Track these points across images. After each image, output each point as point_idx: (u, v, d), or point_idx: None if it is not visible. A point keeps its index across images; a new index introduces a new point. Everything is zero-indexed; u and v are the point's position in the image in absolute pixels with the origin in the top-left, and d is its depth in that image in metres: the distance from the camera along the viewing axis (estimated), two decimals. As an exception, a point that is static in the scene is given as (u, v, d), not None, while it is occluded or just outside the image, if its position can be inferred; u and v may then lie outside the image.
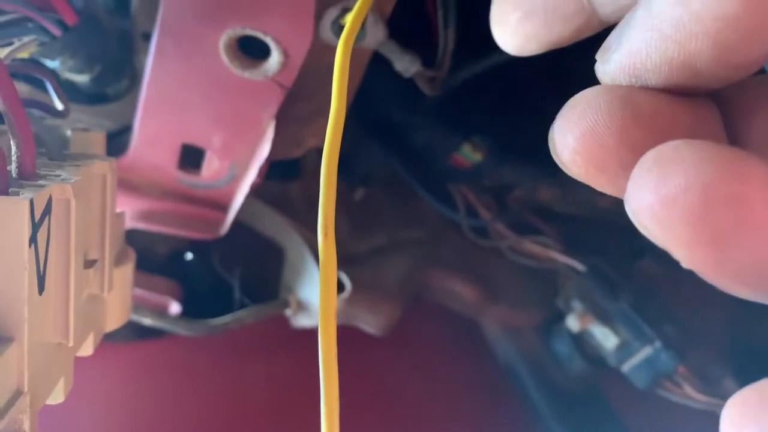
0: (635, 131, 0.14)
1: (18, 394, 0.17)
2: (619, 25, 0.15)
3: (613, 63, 0.15)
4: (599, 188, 0.15)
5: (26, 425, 0.18)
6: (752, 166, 0.12)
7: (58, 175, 0.20)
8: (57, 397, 0.21)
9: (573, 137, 0.14)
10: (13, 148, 0.19)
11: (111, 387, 0.48)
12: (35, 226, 0.17)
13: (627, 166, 0.14)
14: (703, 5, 0.12)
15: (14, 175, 0.19)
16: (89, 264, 0.22)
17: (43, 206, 0.18)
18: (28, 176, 0.19)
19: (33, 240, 0.17)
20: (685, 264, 0.12)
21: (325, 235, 0.18)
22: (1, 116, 0.20)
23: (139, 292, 0.42)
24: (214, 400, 0.49)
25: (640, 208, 0.12)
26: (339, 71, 0.19)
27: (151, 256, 0.46)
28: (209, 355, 0.49)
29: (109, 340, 0.47)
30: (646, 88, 0.15)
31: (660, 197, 0.12)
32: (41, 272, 0.18)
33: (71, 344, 0.20)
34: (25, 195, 0.17)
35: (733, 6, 0.12)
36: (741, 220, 0.11)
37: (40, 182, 0.19)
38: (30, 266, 0.17)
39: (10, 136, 0.19)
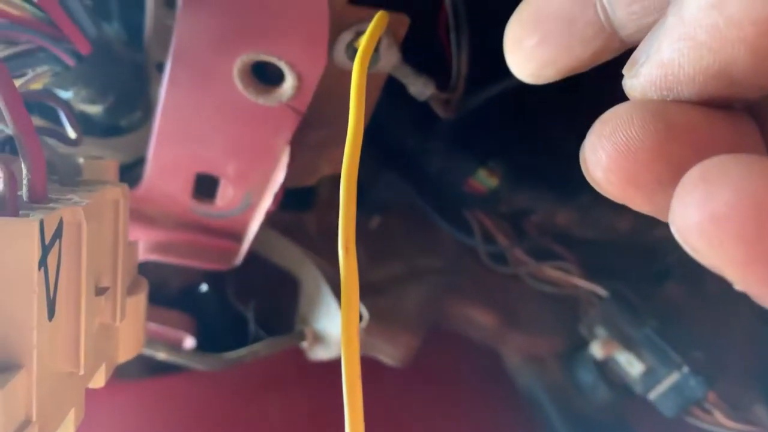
0: (671, 145, 0.13)
1: (26, 423, 0.17)
2: (646, 37, 0.15)
3: (642, 76, 0.14)
4: (636, 207, 0.14)
5: (35, 457, 0.17)
6: None
7: (70, 199, 0.20)
8: (67, 428, 0.21)
9: (606, 154, 0.14)
10: (25, 172, 0.19)
11: (124, 425, 0.47)
12: (45, 249, 0.17)
13: (664, 182, 0.13)
14: (740, 9, 0.12)
15: (25, 199, 0.19)
16: (101, 291, 0.22)
17: (53, 229, 0.17)
18: (39, 200, 0.19)
19: (43, 263, 0.17)
20: (739, 286, 0.12)
21: (346, 250, 0.17)
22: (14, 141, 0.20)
23: (154, 326, 0.42)
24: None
25: (687, 227, 0.11)
26: (356, 86, 0.19)
27: (165, 290, 0.45)
28: (224, 390, 0.48)
29: (122, 377, 0.47)
30: (679, 102, 0.14)
31: (709, 214, 0.11)
32: (51, 297, 0.18)
33: (82, 372, 0.20)
34: (36, 216, 0.17)
35: None
36: None
37: (51, 205, 0.19)
38: (39, 290, 0.17)
39: (22, 160, 0.19)
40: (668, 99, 0.14)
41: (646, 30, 0.15)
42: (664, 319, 0.43)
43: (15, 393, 0.16)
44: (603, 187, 0.14)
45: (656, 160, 0.13)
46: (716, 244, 0.11)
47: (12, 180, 0.18)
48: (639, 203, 0.14)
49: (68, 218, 0.18)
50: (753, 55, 0.12)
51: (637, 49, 0.15)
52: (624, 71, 0.15)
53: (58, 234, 0.18)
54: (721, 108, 0.14)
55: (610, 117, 0.14)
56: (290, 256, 0.43)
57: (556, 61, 0.17)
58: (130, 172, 0.36)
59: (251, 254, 0.39)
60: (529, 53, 0.17)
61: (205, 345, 0.43)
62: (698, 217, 0.11)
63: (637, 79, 0.14)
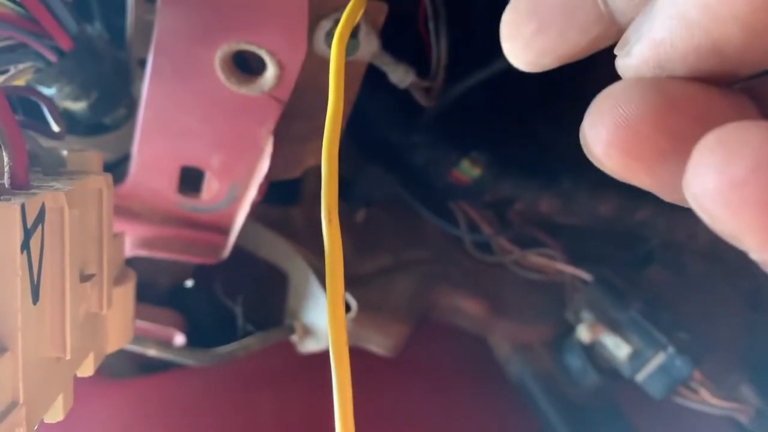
0: (671, 117, 0.13)
1: (13, 405, 0.17)
2: (638, 17, 0.15)
3: (635, 56, 0.14)
4: (637, 182, 0.14)
5: (23, 439, 0.17)
6: None
7: (52, 186, 0.20)
8: (56, 414, 0.21)
9: (606, 129, 0.14)
10: (6, 160, 0.19)
11: (117, 423, 0.47)
12: (27, 233, 0.17)
13: (666, 154, 0.13)
14: None
15: (7, 186, 0.19)
16: (86, 278, 0.22)
17: (35, 213, 0.18)
18: (21, 187, 0.19)
19: (25, 247, 0.17)
20: (757, 254, 0.11)
21: (329, 221, 0.18)
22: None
23: (143, 324, 0.42)
24: (223, 433, 0.48)
25: (704, 193, 0.11)
26: (335, 63, 0.19)
27: (154, 289, 0.45)
28: (215, 387, 0.49)
29: (112, 376, 0.47)
30: (674, 78, 0.14)
31: (728, 179, 0.11)
32: (35, 281, 0.18)
33: (68, 357, 0.20)
34: (17, 201, 0.17)
35: None
36: None
37: (34, 191, 0.19)
38: (23, 273, 0.17)
39: (3, 149, 0.19)
40: (662, 76, 0.14)
41: None
42: (648, 301, 0.43)
43: (1, 375, 0.17)
44: (603, 162, 0.14)
45: (657, 131, 0.13)
46: (735, 209, 0.11)
47: (-7, 167, 0.18)
48: (640, 177, 0.14)
49: (50, 204, 0.19)
50: (745, 32, 0.12)
51: (629, 28, 0.15)
52: (616, 51, 0.15)
53: (40, 219, 0.18)
54: (716, 84, 0.14)
55: (607, 94, 0.14)
56: (278, 250, 0.44)
57: (554, 49, 0.16)
58: (116, 170, 0.36)
59: (239, 249, 0.39)
60: (527, 41, 0.17)
61: (195, 342, 0.43)
62: (716, 182, 0.11)
63: (630, 59, 0.15)
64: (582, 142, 0.15)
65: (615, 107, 0.14)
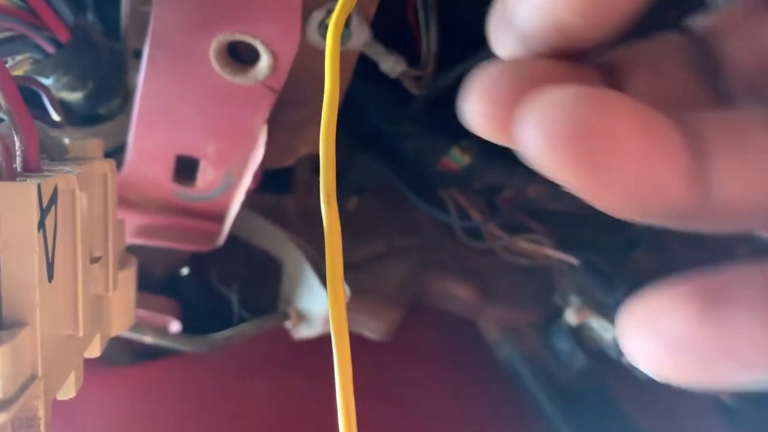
0: (520, 86, 0.16)
1: (32, 378, 0.18)
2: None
3: (505, 33, 0.17)
4: (505, 142, 0.17)
5: (41, 412, 0.18)
6: (618, 100, 0.13)
7: (61, 170, 0.20)
8: (68, 391, 0.21)
9: (472, 100, 0.16)
10: (18, 144, 0.20)
11: (112, 411, 0.48)
12: (43, 212, 0.18)
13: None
14: None
15: (19, 170, 0.20)
16: (94, 260, 0.23)
17: (49, 194, 0.18)
18: (33, 170, 0.20)
19: (41, 225, 0.18)
20: (574, 188, 0.14)
21: (328, 203, 0.18)
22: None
23: (140, 311, 0.42)
24: (219, 420, 0.48)
25: (526, 144, 0.14)
26: (331, 50, 0.20)
27: (150, 277, 0.46)
28: (211, 375, 0.49)
29: (108, 364, 0.48)
30: (532, 57, 0.17)
31: (543, 133, 0.13)
32: (50, 260, 0.19)
33: (81, 334, 0.20)
34: (33, 181, 0.18)
35: None
36: (611, 145, 0.13)
37: (45, 174, 0.19)
38: (39, 251, 0.18)
39: (14, 133, 0.20)
40: (528, 53, 0.17)
41: None
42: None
43: (21, 348, 0.17)
44: (475, 128, 0.17)
45: (511, 99, 0.16)
46: (551, 156, 0.13)
47: (7, 150, 0.18)
48: (505, 138, 0.16)
49: (62, 185, 0.19)
50: (575, 14, 0.15)
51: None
52: (492, 23, 0.18)
53: (53, 200, 0.19)
54: (573, 61, 0.17)
55: (480, 74, 0.17)
56: (272, 237, 0.44)
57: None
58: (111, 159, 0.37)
59: (233, 238, 0.40)
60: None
61: (190, 329, 0.44)
62: (534, 135, 0.13)
63: (500, 35, 0.17)
64: (463, 113, 0.17)
65: (478, 83, 0.16)
